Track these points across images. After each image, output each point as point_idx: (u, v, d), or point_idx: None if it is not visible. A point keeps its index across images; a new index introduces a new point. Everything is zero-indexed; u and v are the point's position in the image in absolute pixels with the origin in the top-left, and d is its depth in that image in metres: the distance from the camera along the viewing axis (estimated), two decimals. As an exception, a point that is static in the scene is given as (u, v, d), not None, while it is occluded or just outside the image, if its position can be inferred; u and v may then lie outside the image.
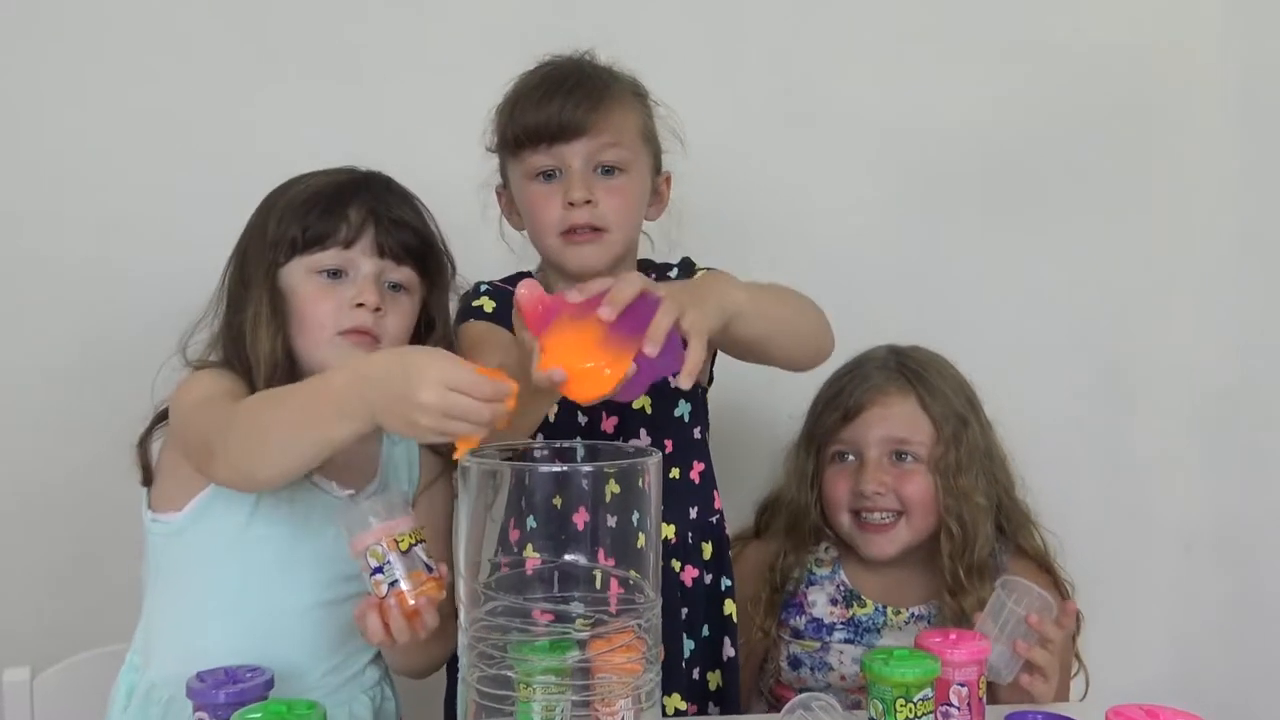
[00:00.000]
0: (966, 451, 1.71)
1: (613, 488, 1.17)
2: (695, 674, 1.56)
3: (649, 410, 1.56)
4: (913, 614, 1.74)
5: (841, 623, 1.74)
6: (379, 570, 1.27)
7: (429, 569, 1.28)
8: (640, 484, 1.18)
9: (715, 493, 1.62)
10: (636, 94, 1.57)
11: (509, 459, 1.21)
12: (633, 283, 1.19)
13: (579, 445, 1.32)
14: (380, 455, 1.51)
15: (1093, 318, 2.15)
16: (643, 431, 1.55)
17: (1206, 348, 2.17)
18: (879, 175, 2.10)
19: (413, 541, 1.28)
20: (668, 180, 1.62)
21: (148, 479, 1.44)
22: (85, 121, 1.93)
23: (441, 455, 1.51)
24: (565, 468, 1.21)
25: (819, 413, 1.78)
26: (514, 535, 1.21)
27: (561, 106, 1.49)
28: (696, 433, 1.60)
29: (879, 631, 1.73)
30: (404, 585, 1.26)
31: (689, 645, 1.56)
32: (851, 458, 1.74)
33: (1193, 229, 2.16)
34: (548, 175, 1.51)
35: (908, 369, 1.74)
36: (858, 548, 1.73)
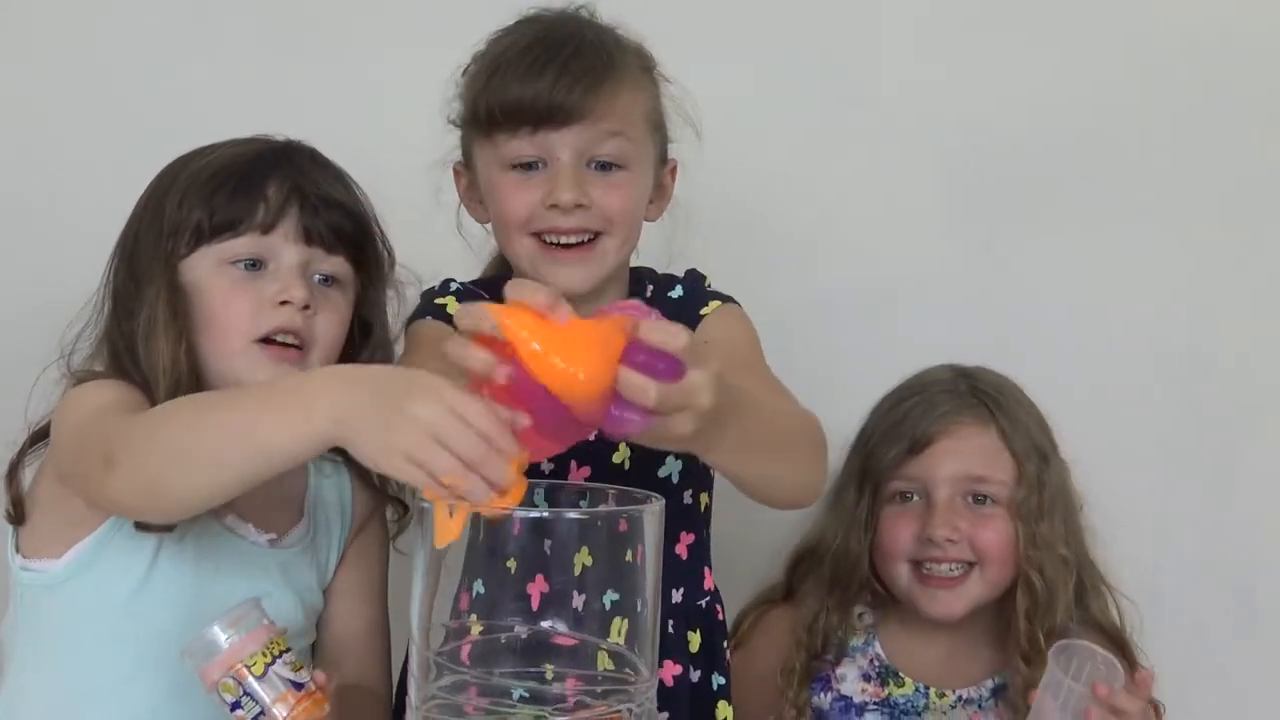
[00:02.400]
0: (1050, 494, 1.51)
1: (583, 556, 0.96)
2: None
3: (628, 466, 1.28)
4: (961, 697, 1.53)
5: (875, 702, 1.53)
6: (237, 706, 1.07)
7: (297, 686, 1.08)
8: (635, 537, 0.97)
9: (707, 570, 1.35)
10: (644, 68, 1.31)
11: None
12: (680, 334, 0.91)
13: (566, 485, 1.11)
14: (307, 492, 1.30)
15: (1183, 342, 1.85)
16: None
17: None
18: (934, 173, 1.84)
19: (269, 659, 1.07)
20: (673, 171, 1.36)
21: (18, 516, 1.21)
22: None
23: (376, 490, 1.32)
24: (547, 513, 0.99)
25: (875, 445, 1.56)
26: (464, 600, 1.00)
27: (554, 83, 1.21)
28: (687, 497, 1.32)
29: (920, 715, 1.52)
30: (282, 713, 1.06)
31: None
32: (917, 498, 1.52)
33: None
34: (528, 166, 1.25)
35: (983, 394, 1.55)
36: (918, 606, 1.51)
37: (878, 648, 1.55)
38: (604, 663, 0.96)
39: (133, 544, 1.16)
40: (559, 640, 0.95)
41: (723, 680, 1.33)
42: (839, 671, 1.54)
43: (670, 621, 1.28)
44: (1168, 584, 1.64)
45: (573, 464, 1.26)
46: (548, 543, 0.94)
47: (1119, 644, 1.52)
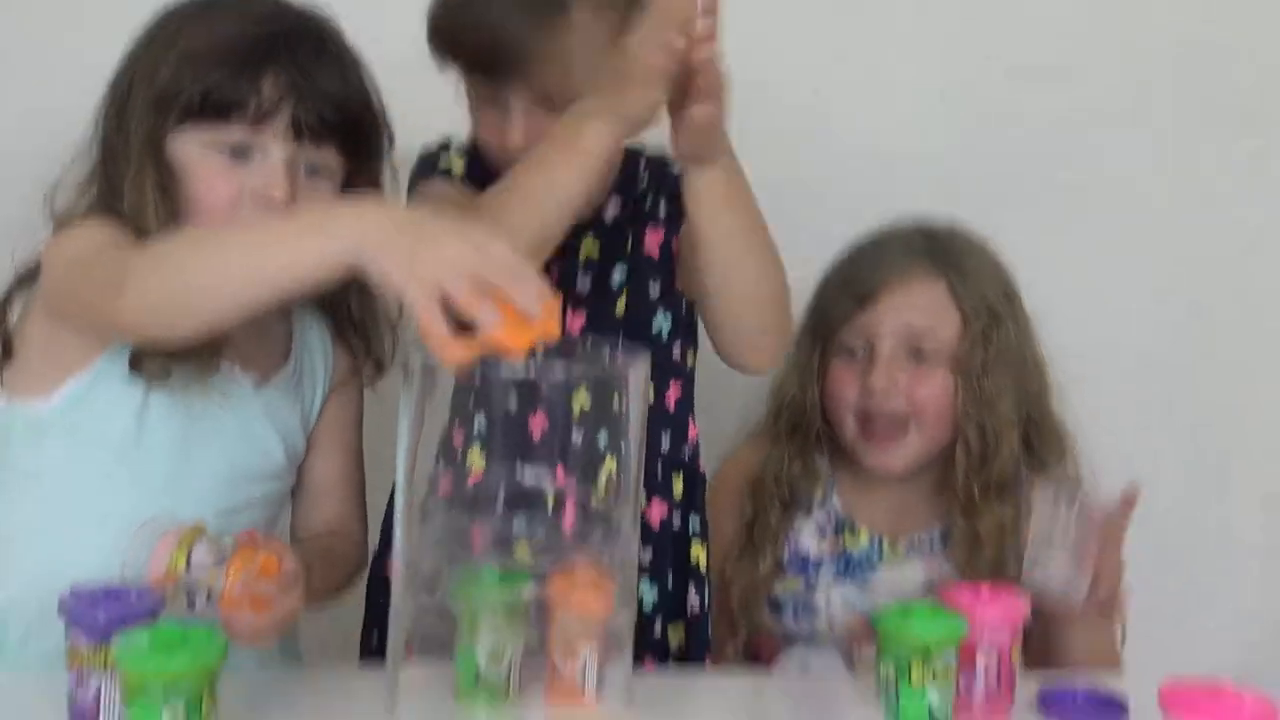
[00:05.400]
0: (996, 352, 1.47)
1: (581, 397, 0.98)
2: (656, 629, 1.35)
3: (621, 314, 1.34)
4: (911, 542, 1.52)
5: (830, 557, 1.52)
6: (191, 605, 1.08)
7: (221, 559, 1.09)
8: (619, 391, 0.98)
9: (691, 420, 1.40)
10: None
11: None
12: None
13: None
14: (293, 336, 1.31)
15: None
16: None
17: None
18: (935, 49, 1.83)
19: (185, 555, 1.09)
20: None
21: (5, 352, 1.21)
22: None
23: (355, 350, 1.33)
24: (529, 370, 0.99)
25: (827, 296, 1.53)
26: (458, 439, 1.01)
27: (501, 19, 1.18)
28: (675, 352, 1.37)
29: (874, 567, 1.51)
30: (221, 587, 1.07)
31: (650, 595, 1.34)
32: (862, 352, 1.49)
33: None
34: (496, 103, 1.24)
35: (937, 247, 1.50)
36: (861, 459, 1.50)
37: (834, 501, 1.54)
38: (588, 507, 0.99)
39: (124, 385, 1.17)
40: (544, 484, 0.97)
41: (699, 526, 1.38)
42: (796, 525, 1.53)
43: (659, 466, 1.35)
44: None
45: (567, 310, 1.29)
46: (544, 388, 0.96)
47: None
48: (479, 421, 0.99)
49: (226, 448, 1.23)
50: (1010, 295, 1.51)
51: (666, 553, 1.35)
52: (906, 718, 1.09)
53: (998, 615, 1.15)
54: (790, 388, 1.53)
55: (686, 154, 1.16)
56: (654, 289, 1.35)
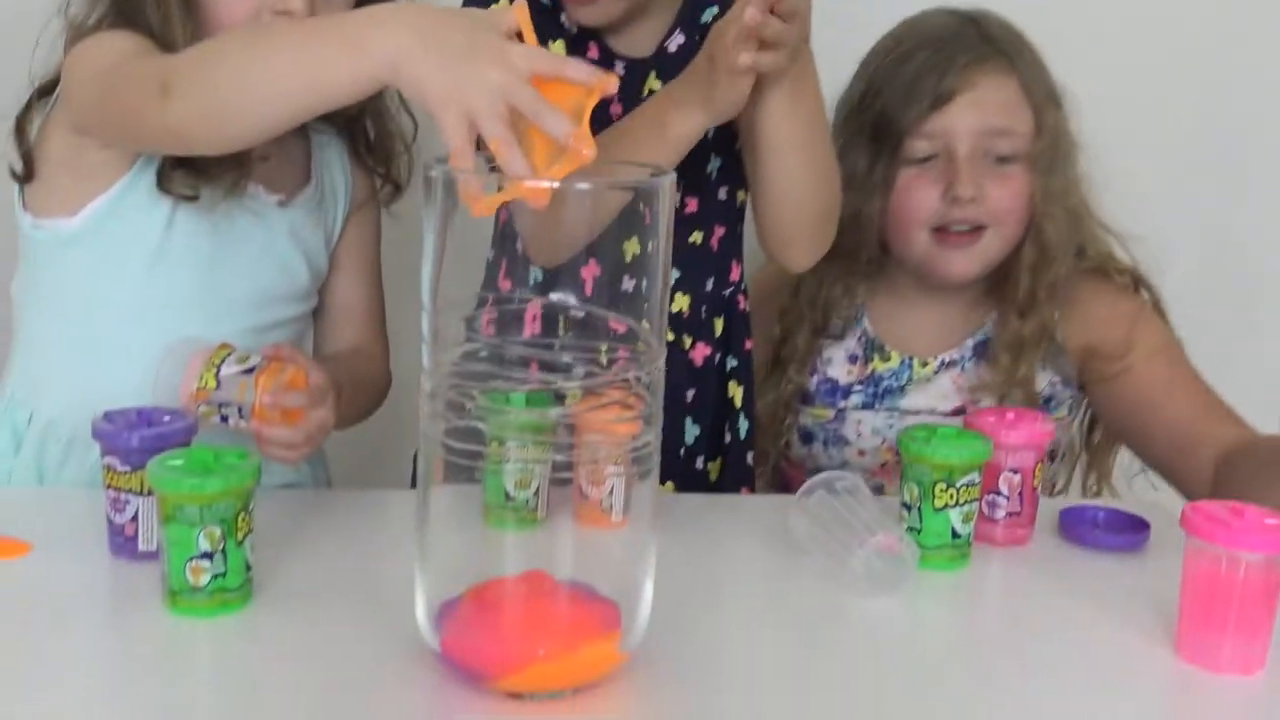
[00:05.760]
0: (1062, 144, 1.42)
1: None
2: (698, 464, 1.37)
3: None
4: (943, 361, 1.48)
5: (860, 383, 1.50)
6: (225, 420, 1.12)
7: (250, 370, 1.11)
8: (648, 207, 0.94)
9: (735, 263, 1.39)
10: None
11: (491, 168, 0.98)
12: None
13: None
14: (312, 156, 1.31)
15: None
16: None
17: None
18: None
19: (215, 370, 1.11)
20: None
21: (28, 172, 1.20)
22: None
23: (373, 170, 1.33)
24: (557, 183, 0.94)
25: (886, 102, 1.42)
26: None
27: None
28: (723, 193, 1.35)
29: (903, 390, 1.49)
30: (252, 400, 1.10)
31: (693, 432, 1.36)
32: (936, 158, 1.41)
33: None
34: None
35: (998, 41, 1.42)
36: (932, 270, 1.45)
37: (866, 323, 1.51)
38: (615, 328, 0.96)
39: (149, 201, 1.16)
40: (572, 310, 0.95)
41: (735, 363, 1.38)
42: (826, 355, 1.51)
43: (703, 307, 1.35)
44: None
45: None
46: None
47: (1136, 280, 1.49)
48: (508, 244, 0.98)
49: (252, 267, 1.24)
50: (1054, 82, 1.45)
51: (709, 391, 1.36)
52: (929, 539, 1.11)
53: (1022, 438, 1.16)
54: (848, 205, 1.40)
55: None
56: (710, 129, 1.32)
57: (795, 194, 1.24)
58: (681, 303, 1.34)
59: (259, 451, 1.10)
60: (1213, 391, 1.42)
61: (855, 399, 1.50)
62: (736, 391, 1.38)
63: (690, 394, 1.35)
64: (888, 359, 1.49)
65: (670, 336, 1.33)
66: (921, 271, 1.46)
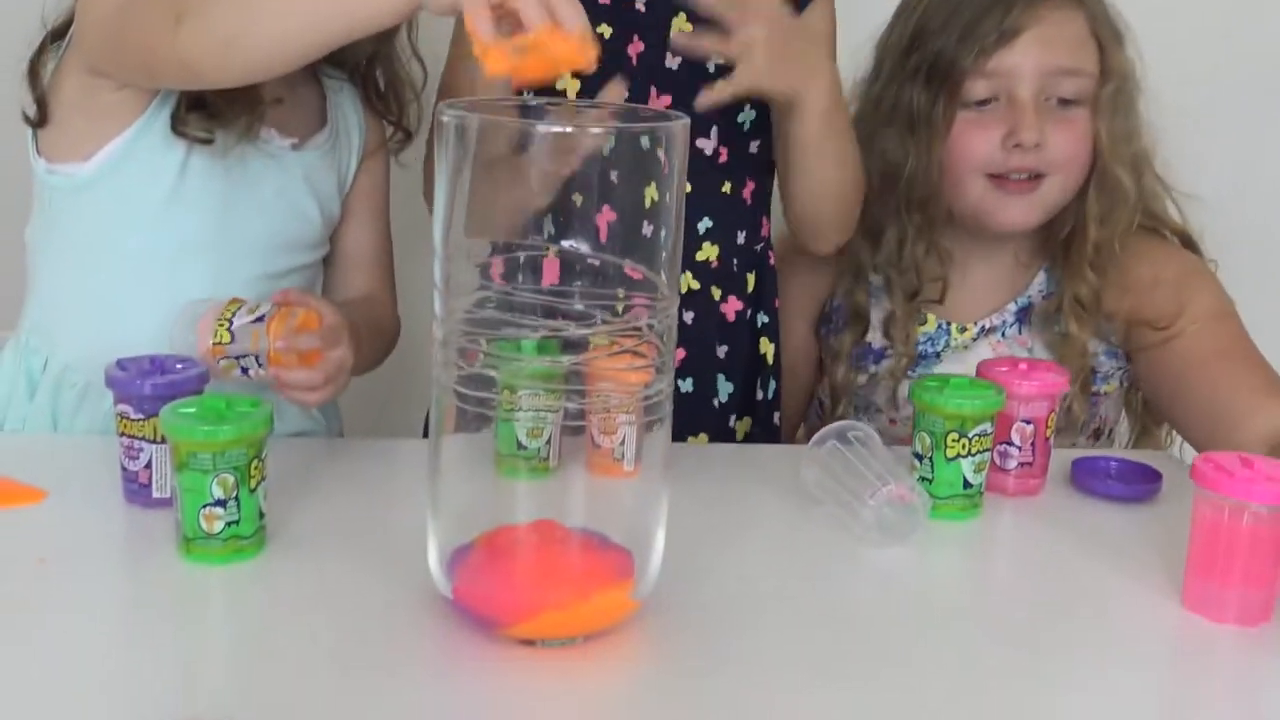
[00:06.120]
0: (1128, 87, 1.34)
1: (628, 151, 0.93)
2: (730, 422, 1.37)
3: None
4: (983, 327, 1.42)
5: (893, 347, 1.43)
6: (245, 371, 1.12)
7: (260, 319, 1.12)
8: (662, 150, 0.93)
9: (765, 218, 1.38)
10: None
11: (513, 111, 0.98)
12: None
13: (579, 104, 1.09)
14: (326, 100, 1.30)
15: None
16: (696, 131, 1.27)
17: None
18: None
19: (227, 324, 1.12)
20: None
21: (41, 117, 1.19)
22: None
23: (383, 124, 1.33)
24: (567, 128, 0.94)
25: (941, 41, 1.33)
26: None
27: None
28: (754, 146, 1.34)
29: (938, 357, 1.43)
30: (266, 347, 1.11)
31: (726, 389, 1.36)
32: (997, 99, 1.33)
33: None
34: None
35: None
36: (988, 220, 1.36)
37: None
38: (629, 274, 0.96)
39: (164, 145, 1.16)
40: (587, 259, 0.94)
41: (766, 319, 1.37)
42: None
43: (735, 261, 1.35)
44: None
45: (653, 90, 1.28)
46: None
47: (1185, 242, 1.42)
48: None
49: (266, 211, 1.23)
50: (1119, 19, 1.38)
51: (741, 348, 1.36)
52: (941, 489, 1.11)
53: (1035, 389, 1.16)
54: (904, 156, 1.36)
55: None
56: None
57: (824, 198, 1.32)
58: (710, 252, 1.33)
59: (283, 397, 1.11)
60: (1268, 364, 1.33)
61: (887, 364, 1.43)
62: (769, 349, 1.38)
63: (723, 351, 1.35)
64: (924, 322, 1.43)
65: (696, 285, 1.33)
66: (976, 221, 1.38)
